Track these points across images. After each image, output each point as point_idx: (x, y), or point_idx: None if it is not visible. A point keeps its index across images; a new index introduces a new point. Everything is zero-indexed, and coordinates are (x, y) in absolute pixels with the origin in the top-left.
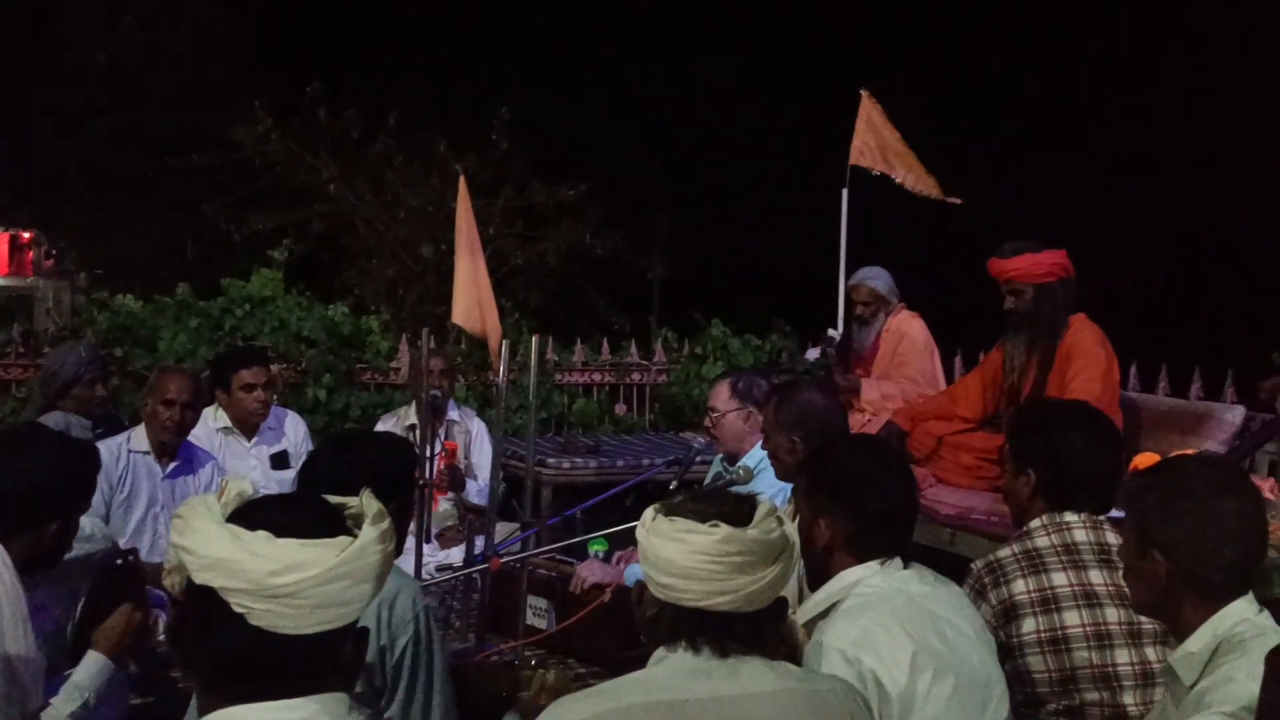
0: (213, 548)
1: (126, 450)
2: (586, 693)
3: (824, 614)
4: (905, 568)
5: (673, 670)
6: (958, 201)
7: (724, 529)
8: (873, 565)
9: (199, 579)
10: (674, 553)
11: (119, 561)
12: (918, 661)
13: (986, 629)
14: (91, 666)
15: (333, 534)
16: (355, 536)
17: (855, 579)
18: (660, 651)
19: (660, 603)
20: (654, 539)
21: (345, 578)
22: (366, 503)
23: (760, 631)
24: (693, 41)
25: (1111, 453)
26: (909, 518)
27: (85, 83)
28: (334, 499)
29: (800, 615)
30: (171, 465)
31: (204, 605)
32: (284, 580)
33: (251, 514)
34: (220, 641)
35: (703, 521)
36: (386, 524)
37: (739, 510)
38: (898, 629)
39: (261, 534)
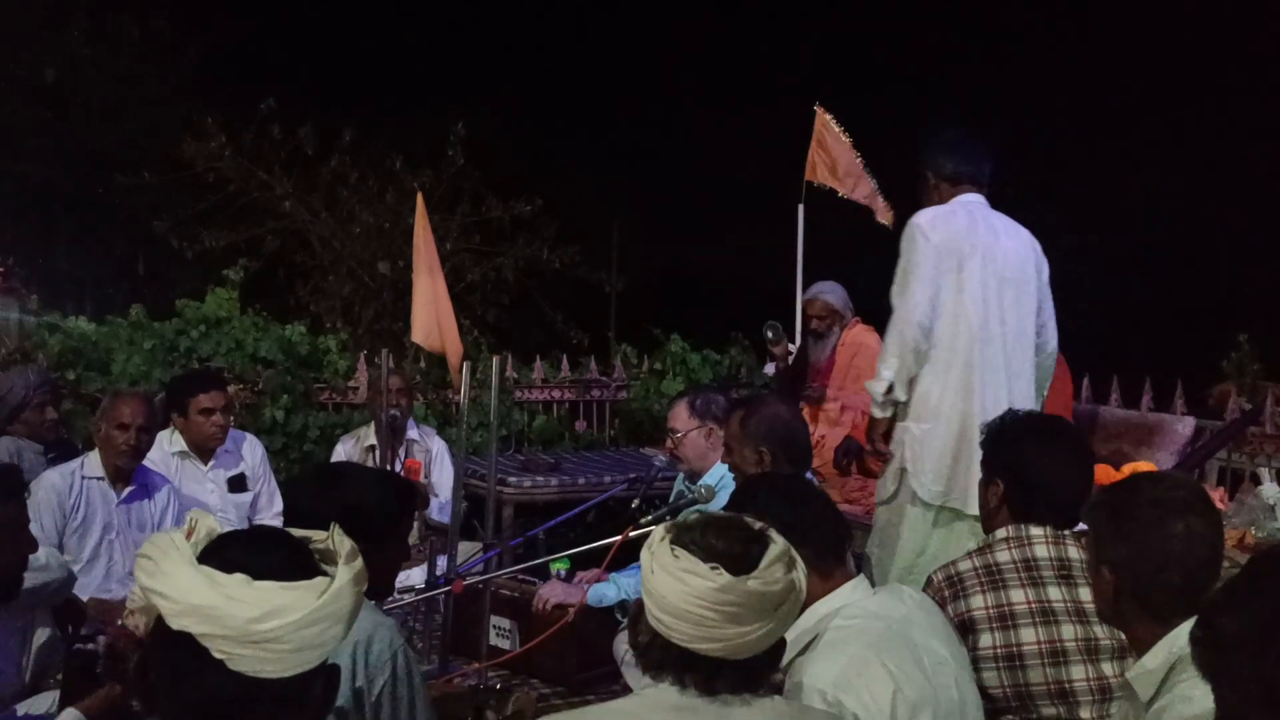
0: (189, 593)
1: (80, 476)
2: (565, 716)
3: (802, 650)
4: (874, 589)
5: (656, 704)
6: (889, 225)
7: (723, 577)
8: (843, 592)
9: (175, 625)
10: (670, 591)
11: (89, 646)
12: (898, 699)
13: (961, 645)
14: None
15: (308, 575)
16: (327, 575)
17: (830, 609)
18: (646, 679)
19: (653, 632)
20: (656, 569)
21: (324, 620)
22: (338, 540)
23: (752, 676)
24: (650, 56)
25: (1077, 469)
26: (839, 545)
27: (28, 99)
28: (297, 532)
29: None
30: (126, 490)
31: (180, 651)
32: (267, 626)
33: (224, 554)
34: (197, 686)
35: (706, 560)
36: (359, 563)
37: (747, 551)
38: (877, 665)
39: (239, 577)
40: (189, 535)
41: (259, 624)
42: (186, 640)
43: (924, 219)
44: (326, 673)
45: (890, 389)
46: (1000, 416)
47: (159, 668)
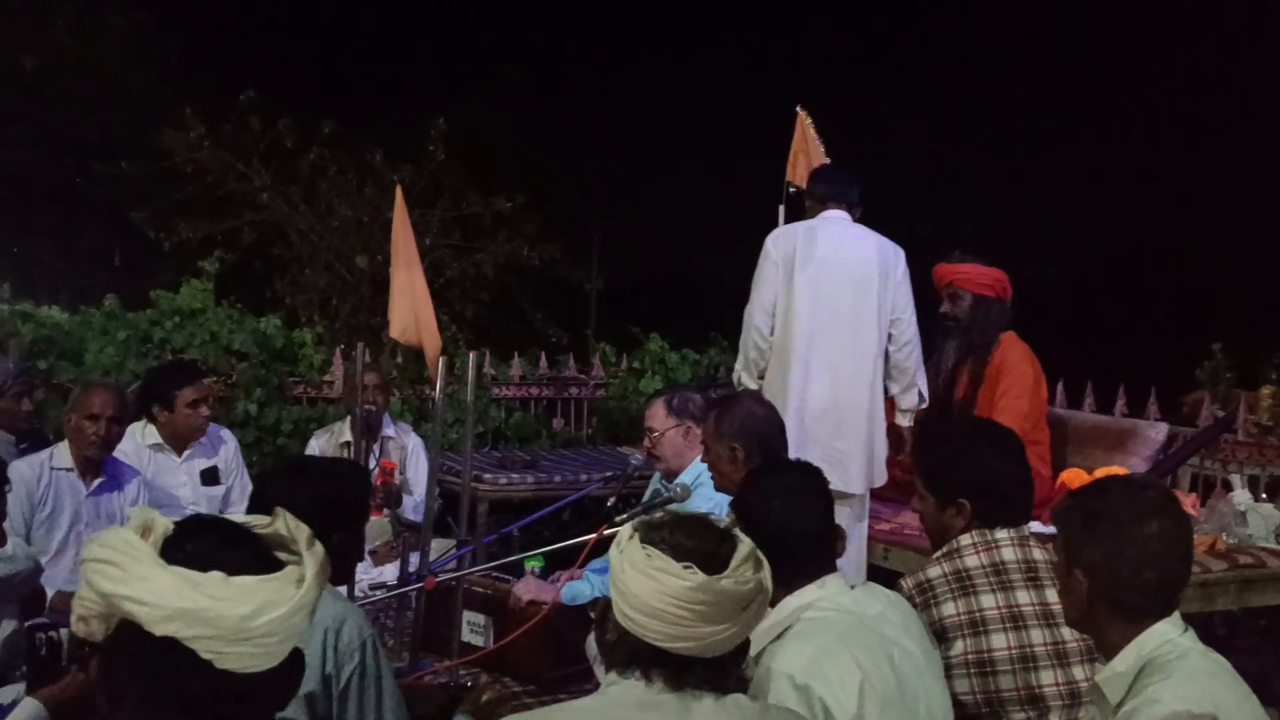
0: (173, 597)
1: (49, 468)
2: (527, 716)
3: (774, 640)
4: (852, 587)
5: (621, 700)
6: None
7: (698, 576)
8: (817, 586)
9: (160, 631)
10: (644, 590)
11: (52, 635)
12: (866, 689)
13: (934, 646)
14: (26, 711)
15: (273, 566)
16: (287, 565)
17: (803, 602)
18: (612, 675)
19: (622, 629)
20: (627, 568)
21: (303, 609)
22: (293, 527)
23: (720, 673)
24: (629, 54)
25: (1025, 464)
26: (829, 538)
27: (10, 88)
28: (238, 518)
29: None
30: (96, 482)
31: (162, 655)
32: (259, 622)
33: (186, 550)
34: (181, 687)
35: (678, 560)
36: (320, 548)
37: (718, 551)
38: (846, 656)
39: (215, 575)
40: (144, 535)
41: (251, 621)
42: (169, 644)
43: (771, 236)
44: (292, 657)
45: (739, 380)
46: (930, 437)
47: (132, 672)
